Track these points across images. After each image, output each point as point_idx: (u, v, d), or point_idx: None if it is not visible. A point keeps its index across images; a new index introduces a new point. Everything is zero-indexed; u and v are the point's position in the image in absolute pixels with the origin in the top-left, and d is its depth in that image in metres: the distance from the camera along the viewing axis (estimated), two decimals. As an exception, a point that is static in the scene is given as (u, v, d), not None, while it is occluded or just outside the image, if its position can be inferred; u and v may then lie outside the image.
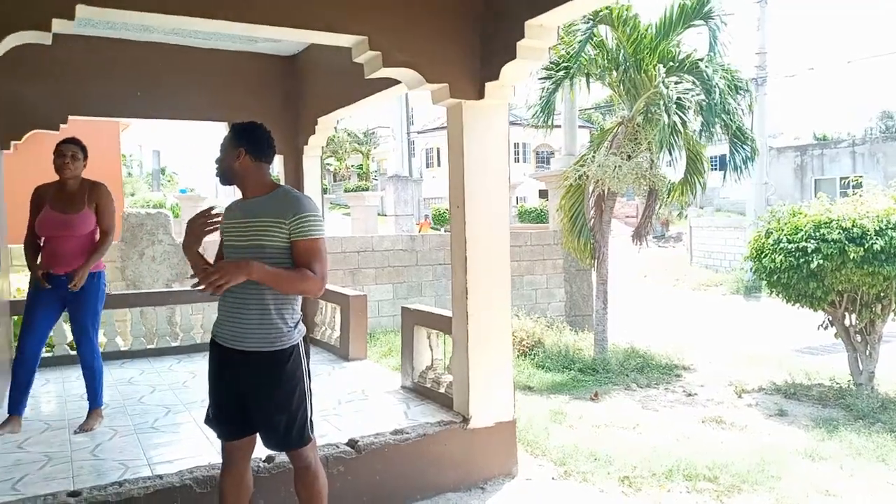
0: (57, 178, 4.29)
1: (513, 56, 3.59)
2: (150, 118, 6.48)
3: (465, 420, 4.20)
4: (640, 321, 13.13)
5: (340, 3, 3.49)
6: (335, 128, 6.76)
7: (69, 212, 4.26)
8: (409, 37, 3.67)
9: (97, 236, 4.41)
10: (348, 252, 11.01)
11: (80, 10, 3.01)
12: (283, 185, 2.84)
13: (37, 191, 4.38)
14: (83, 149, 4.31)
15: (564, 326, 10.56)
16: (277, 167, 6.94)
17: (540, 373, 8.59)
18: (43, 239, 4.32)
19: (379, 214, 24.61)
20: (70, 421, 4.45)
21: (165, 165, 39.78)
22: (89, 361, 4.37)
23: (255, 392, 2.73)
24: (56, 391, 5.26)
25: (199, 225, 2.72)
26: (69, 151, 4.23)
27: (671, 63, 8.84)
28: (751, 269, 8.88)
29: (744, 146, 8.99)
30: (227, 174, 2.79)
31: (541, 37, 3.53)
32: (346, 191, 33.79)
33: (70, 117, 5.89)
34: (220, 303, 2.80)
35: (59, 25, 3.00)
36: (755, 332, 12.39)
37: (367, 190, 33.13)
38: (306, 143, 6.60)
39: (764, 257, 7.63)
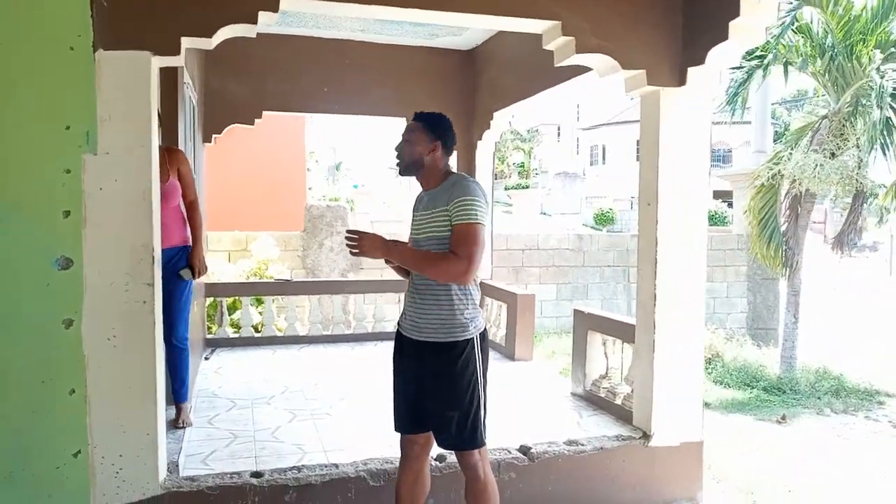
0: None
1: (724, 37, 3.20)
2: (334, 113, 6.72)
3: (647, 436, 3.87)
4: (831, 338, 11.78)
5: (534, -15, 3.31)
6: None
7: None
8: (605, 19, 3.40)
9: (182, 210, 4.01)
10: (513, 249, 10.87)
11: (284, 2, 3.08)
12: (455, 173, 2.73)
13: None
14: (159, 117, 3.76)
15: (746, 339, 9.71)
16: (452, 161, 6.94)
17: (718, 389, 7.95)
18: None
19: (540, 214, 24.29)
20: (253, 400, 4.68)
21: (341, 161, 41.99)
22: (186, 343, 3.98)
23: (429, 384, 2.68)
24: (243, 370, 5.58)
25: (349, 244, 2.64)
26: None
27: (892, 49, 7.75)
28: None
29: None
30: (415, 165, 2.70)
31: (760, 13, 3.11)
32: (506, 189, 33.73)
33: (264, 112, 6.24)
34: (406, 294, 2.79)
35: (263, 18, 3.08)
36: (978, 358, 10.64)
37: (527, 188, 32.84)
38: (480, 139, 6.51)
39: None
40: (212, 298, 6.81)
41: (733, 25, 3.16)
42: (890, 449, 6.33)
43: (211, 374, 5.46)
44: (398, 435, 2.85)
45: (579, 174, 29.22)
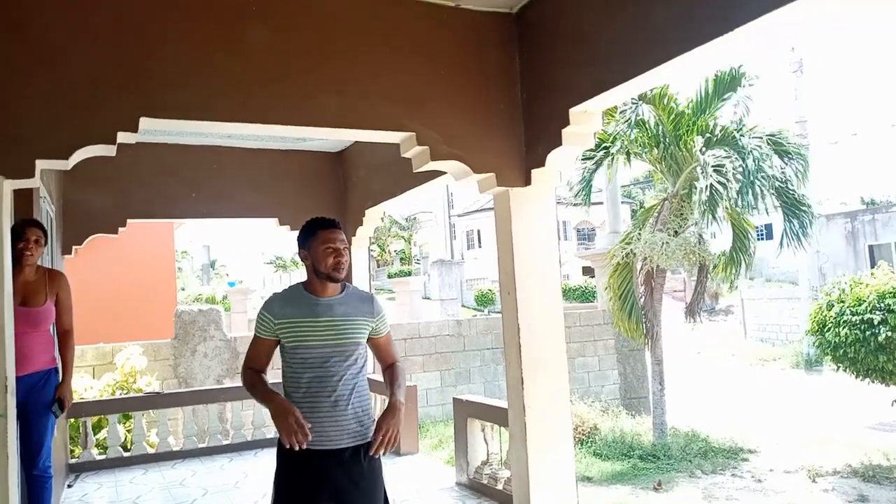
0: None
1: (558, 143, 3.60)
2: (203, 218, 6.66)
3: (527, 519, 3.98)
4: (697, 401, 12.60)
5: (388, 102, 3.58)
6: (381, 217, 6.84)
7: (31, 305, 3.62)
8: (456, 131, 3.73)
9: (52, 332, 3.84)
10: (395, 339, 10.93)
11: (144, 122, 3.14)
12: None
13: None
14: (45, 233, 3.74)
15: (620, 410, 10.19)
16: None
17: (598, 462, 8.24)
18: None
19: (423, 298, 24.64)
20: (123, 527, 4.38)
21: (215, 259, 40.79)
22: (49, 472, 3.72)
23: (364, 488, 2.66)
24: (111, 495, 5.21)
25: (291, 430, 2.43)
26: (34, 235, 3.60)
27: (709, 135, 8.84)
28: (813, 343, 8.48)
29: (799, 214, 8.75)
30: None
31: (585, 123, 3.55)
32: (389, 276, 34.02)
33: (128, 220, 6.11)
34: (314, 405, 2.57)
35: (122, 137, 3.12)
36: (821, 408, 11.73)
37: (409, 274, 33.28)
38: (354, 235, 6.68)
39: (827, 331, 7.32)
40: (73, 419, 6.35)
41: (565, 133, 3.57)
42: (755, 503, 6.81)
43: (75, 503, 5.05)
44: None
45: (456, 260, 30.09)
